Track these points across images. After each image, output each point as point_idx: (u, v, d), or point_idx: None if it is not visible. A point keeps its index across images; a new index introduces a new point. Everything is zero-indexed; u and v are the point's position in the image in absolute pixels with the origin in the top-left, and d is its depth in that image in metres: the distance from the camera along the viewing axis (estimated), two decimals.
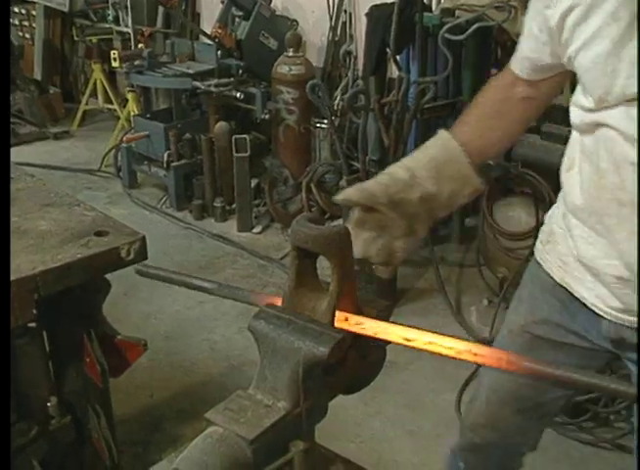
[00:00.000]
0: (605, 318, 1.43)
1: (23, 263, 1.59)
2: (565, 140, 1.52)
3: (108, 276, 1.80)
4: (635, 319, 1.38)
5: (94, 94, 6.80)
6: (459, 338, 0.97)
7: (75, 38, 7.12)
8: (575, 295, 1.48)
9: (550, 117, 3.25)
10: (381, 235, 1.30)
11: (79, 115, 6.86)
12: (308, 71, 4.63)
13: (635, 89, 1.20)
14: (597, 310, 1.44)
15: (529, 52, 1.43)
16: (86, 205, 1.92)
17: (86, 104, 6.84)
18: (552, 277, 1.53)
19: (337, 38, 5.06)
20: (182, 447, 0.94)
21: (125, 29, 6.48)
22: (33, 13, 7.30)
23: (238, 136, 4.67)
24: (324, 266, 1.07)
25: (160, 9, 6.14)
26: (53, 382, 1.83)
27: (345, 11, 4.98)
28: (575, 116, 1.39)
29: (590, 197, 1.37)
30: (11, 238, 1.72)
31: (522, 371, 0.96)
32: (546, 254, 1.56)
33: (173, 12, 5.81)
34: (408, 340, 1.00)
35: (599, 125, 1.31)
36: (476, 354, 0.95)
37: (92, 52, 6.93)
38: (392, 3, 3.87)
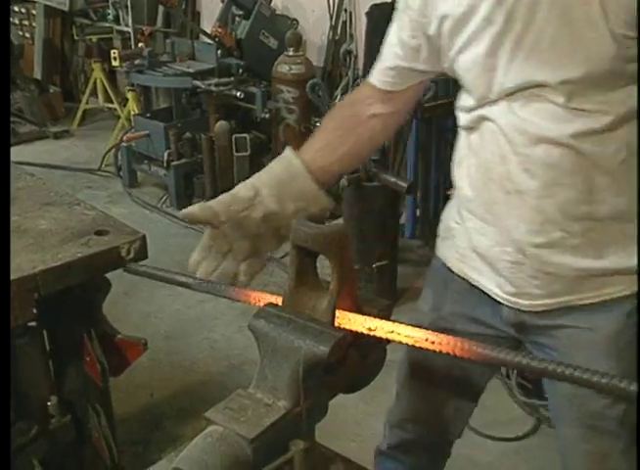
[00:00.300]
0: (503, 304, 1.49)
1: (24, 262, 1.59)
2: None
3: (108, 275, 1.80)
4: (531, 302, 1.44)
5: (94, 93, 6.80)
6: (417, 327, 1.02)
7: (75, 37, 7.12)
8: (475, 284, 1.54)
9: None
10: (226, 258, 1.33)
11: (79, 114, 6.86)
12: (309, 71, 4.63)
13: (511, 85, 1.29)
14: (496, 297, 1.50)
15: (399, 60, 1.48)
16: (86, 204, 1.92)
17: (86, 103, 6.84)
18: (452, 271, 1.58)
19: (337, 37, 5.06)
20: (182, 447, 0.94)
21: (125, 29, 6.48)
22: (33, 12, 7.30)
23: (238, 135, 4.67)
24: (324, 265, 1.07)
25: (161, 8, 6.13)
26: (53, 381, 1.83)
27: (346, 10, 4.97)
28: (461, 117, 1.47)
29: (479, 189, 1.44)
30: (11, 237, 1.72)
31: (474, 357, 0.99)
32: (445, 249, 1.61)
33: (173, 11, 5.80)
34: (371, 329, 1.02)
35: (483, 121, 1.39)
36: (433, 342, 1.00)
37: (92, 51, 6.93)
38: (393, 2, 3.86)
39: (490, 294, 1.50)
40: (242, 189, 1.37)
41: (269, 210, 1.34)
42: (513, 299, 1.46)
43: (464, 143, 1.49)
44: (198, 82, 4.80)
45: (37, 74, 7.18)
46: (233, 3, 5.08)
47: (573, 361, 1.42)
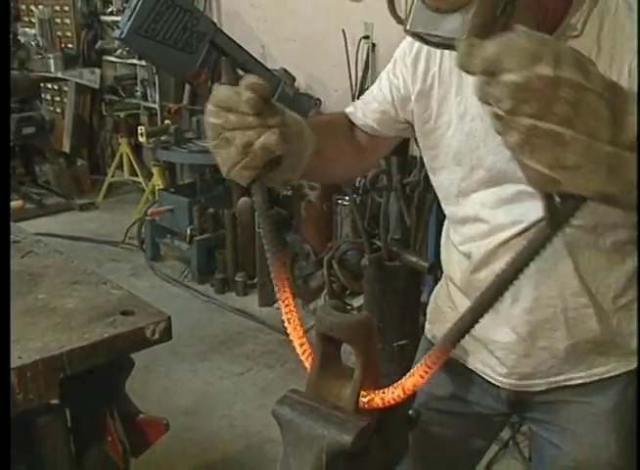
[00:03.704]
0: (498, 386, 1.49)
1: (51, 342, 1.61)
2: None
3: None
4: (523, 382, 1.45)
5: (120, 167, 6.94)
6: None
7: (104, 113, 7.30)
8: (469, 366, 1.54)
9: None
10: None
11: (105, 187, 6.98)
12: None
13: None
14: (489, 379, 1.50)
15: (389, 107, 1.50)
16: (112, 283, 1.96)
17: (112, 176, 6.97)
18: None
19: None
20: None
21: (152, 105, 6.66)
22: (65, 89, 7.52)
23: None
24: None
25: (187, 86, 6.29)
26: (74, 460, 1.82)
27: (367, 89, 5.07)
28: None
29: (469, 277, 1.44)
30: (39, 315, 1.75)
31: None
32: (436, 332, 1.61)
33: (199, 89, 5.95)
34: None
35: (468, 220, 1.41)
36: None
37: (120, 126, 7.09)
38: None
39: (483, 375, 1.52)
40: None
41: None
42: (504, 379, 1.48)
43: (450, 231, 1.52)
44: None
45: (66, 148, 7.35)
46: None
47: (574, 435, 1.48)
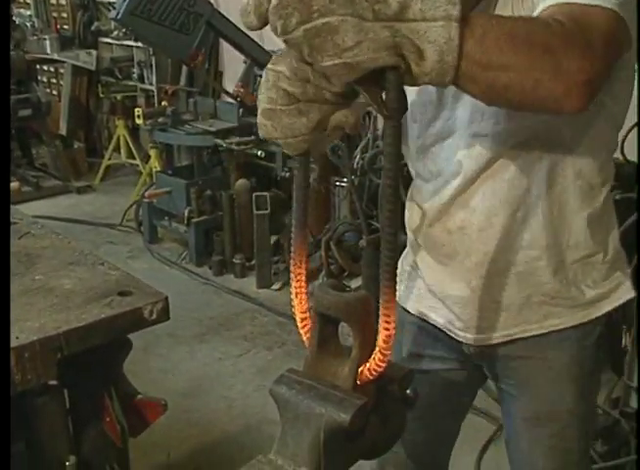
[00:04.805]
0: (460, 341, 1.54)
1: (48, 322, 1.61)
2: None
3: None
4: (477, 336, 1.50)
5: (117, 149, 6.92)
6: None
7: (101, 95, 7.28)
8: (432, 322, 1.58)
9: None
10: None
11: (102, 169, 6.97)
12: (331, 137, 4.68)
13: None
14: (451, 335, 1.55)
15: None
16: (110, 263, 1.95)
17: (109, 159, 6.95)
18: (410, 312, 1.63)
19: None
20: None
21: (149, 87, 6.64)
22: (61, 71, 7.49)
23: (258, 193, 4.72)
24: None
25: (184, 68, 6.27)
26: (72, 441, 1.83)
27: None
28: None
29: (426, 231, 1.50)
30: (37, 296, 1.75)
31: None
32: (401, 292, 1.64)
33: (197, 71, 5.92)
34: None
35: (424, 176, 1.50)
36: None
37: (116, 108, 7.08)
38: None
39: (446, 331, 1.56)
40: None
41: None
42: (463, 333, 1.52)
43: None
44: (219, 141, 4.89)
45: (62, 130, 7.33)
46: (255, 64, 5.18)
47: (532, 389, 1.54)
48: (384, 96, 0.91)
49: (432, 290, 1.54)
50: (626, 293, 1.52)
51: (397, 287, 1.63)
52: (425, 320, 1.60)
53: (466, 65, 0.88)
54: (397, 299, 1.62)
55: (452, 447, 1.82)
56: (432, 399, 1.60)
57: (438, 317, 1.56)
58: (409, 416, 1.11)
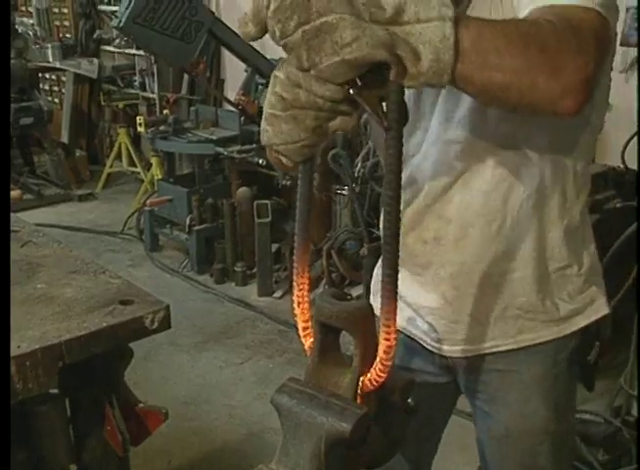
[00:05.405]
0: (434, 352, 1.53)
1: (50, 331, 1.61)
2: None
3: None
4: (452, 348, 1.49)
5: (118, 157, 6.93)
6: None
7: (102, 103, 7.30)
8: (406, 333, 1.56)
9: None
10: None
11: (104, 177, 6.98)
12: (329, 139, 4.69)
13: None
14: (424, 344, 1.54)
15: None
16: (111, 272, 1.95)
17: (111, 167, 6.96)
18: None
19: None
20: None
21: (151, 95, 6.66)
22: (63, 79, 7.51)
23: (259, 202, 4.73)
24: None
25: (186, 76, 6.29)
26: (73, 449, 1.83)
27: None
28: None
29: (402, 241, 1.47)
30: (38, 305, 1.75)
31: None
32: (376, 303, 1.61)
33: (198, 79, 5.94)
34: None
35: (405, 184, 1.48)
36: None
37: (118, 116, 7.10)
38: None
39: (421, 342, 1.54)
40: None
41: None
42: (437, 345, 1.51)
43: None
44: (220, 149, 4.89)
45: (64, 138, 7.34)
46: (256, 72, 5.19)
47: (504, 403, 1.51)
48: (384, 107, 0.91)
49: (406, 301, 1.52)
50: (601, 309, 1.49)
51: (372, 298, 1.64)
52: (400, 332, 1.57)
53: (462, 65, 0.88)
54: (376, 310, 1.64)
55: (431, 462, 1.80)
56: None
57: (413, 328, 1.54)
58: None
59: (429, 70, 0.87)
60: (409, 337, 1.57)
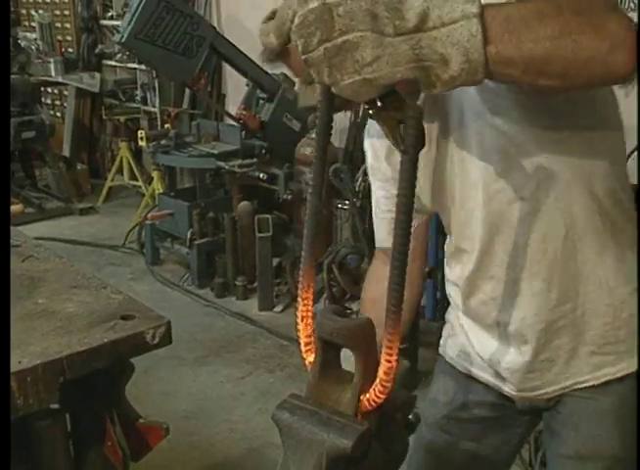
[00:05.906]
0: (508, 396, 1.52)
1: (51, 346, 1.61)
2: None
3: None
4: (534, 394, 1.47)
5: (120, 171, 6.95)
6: None
7: (104, 117, 7.33)
8: (482, 381, 1.55)
9: None
10: None
11: (105, 191, 7.00)
12: (330, 153, 4.70)
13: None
14: (499, 390, 1.52)
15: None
16: (112, 287, 1.95)
17: (112, 180, 6.98)
18: (456, 368, 1.60)
19: (359, 120, 5.16)
20: None
21: (152, 109, 6.68)
22: (65, 93, 7.54)
23: (260, 216, 4.73)
24: None
25: (187, 90, 6.31)
26: (73, 465, 1.82)
27: None
28: None
29: (464, 303, 1.49)
30: (39, 320, 1.75)
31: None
32: (448, 347, 1.63)
33: (200, 94, 5.96)
34: None
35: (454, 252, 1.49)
36: None
37: (120, 130, 7.12)
38: None
39: (495, 388, 1.53)
40: None
41: None
42: (515, 393, 1.49)
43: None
44: (222, 163, 4.90)
45: (66, 152, 7.37)
46: (258, 86, 5.22)
47: (577, 427, 1.48)
48: (401, 130, 0.92)
49: (480, 356, 1.51)
50: None
51: (443, 342, 1.64)
52: (470, 376, 1.57)
53: (496, 51, 0.87)
54: (443, 353, 1.63)
55: None
56: (481, 447, 1.61)
57: (487, 375, 1.53)
58: None
59: (460, 72, 0.87)
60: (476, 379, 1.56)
